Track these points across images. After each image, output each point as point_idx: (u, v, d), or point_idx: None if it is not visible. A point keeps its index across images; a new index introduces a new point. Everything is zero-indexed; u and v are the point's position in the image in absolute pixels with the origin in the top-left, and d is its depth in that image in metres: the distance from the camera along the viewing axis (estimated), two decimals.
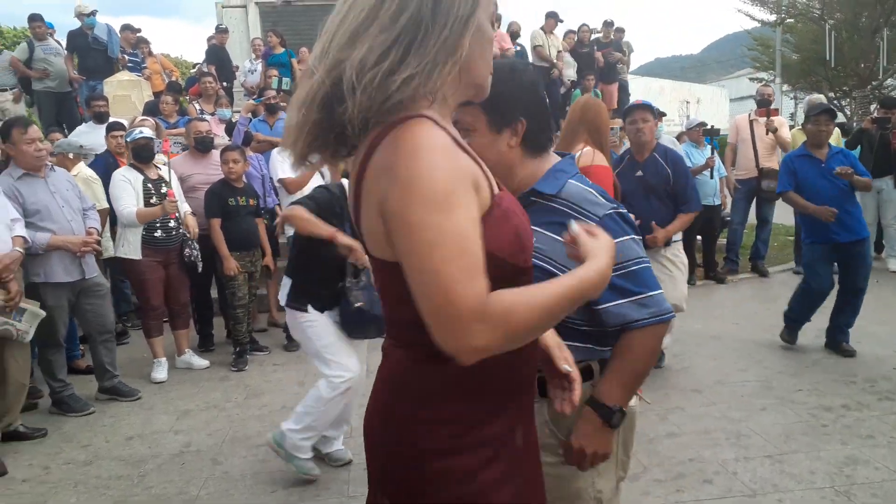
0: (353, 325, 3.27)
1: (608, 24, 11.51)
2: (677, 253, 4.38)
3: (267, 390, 4.58)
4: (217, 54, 10.28)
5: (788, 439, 3.50)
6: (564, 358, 1.37)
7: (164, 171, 4.96)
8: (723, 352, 4.90)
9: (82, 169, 5.36)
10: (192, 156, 5.63)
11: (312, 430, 3.21)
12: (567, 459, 1.59)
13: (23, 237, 3.83)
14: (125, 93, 9.09)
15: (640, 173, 4.30)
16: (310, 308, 3.22)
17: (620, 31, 11.75)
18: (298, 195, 4.46)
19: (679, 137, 7.62)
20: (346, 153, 1.14)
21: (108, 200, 4.99)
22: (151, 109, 7.82)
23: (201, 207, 5.08)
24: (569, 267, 1.42)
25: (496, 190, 1.12)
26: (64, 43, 9.22)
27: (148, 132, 4.99)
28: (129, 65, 9.79)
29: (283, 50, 9.86)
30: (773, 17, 20.20)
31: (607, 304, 1.52)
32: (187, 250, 4.88)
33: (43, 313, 3.88)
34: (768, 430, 3.58)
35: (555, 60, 10.14)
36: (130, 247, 4.73)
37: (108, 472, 3.48)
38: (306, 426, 3.19)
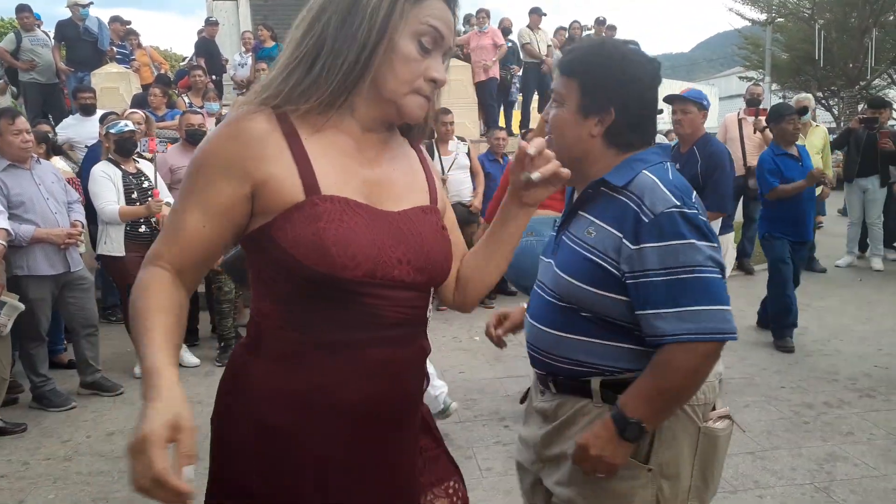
0: None
1: (600, 22, 11.52)
2: None
3: None
4: (207, 47, 10.22)
5: (770, 436, 3.52)
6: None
7: (142, 166, 4.89)
8: None
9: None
10: (184, 148, 5.61)
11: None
12: (573, 455, 1.47)
13: (6, 230, 3.79)
14: (113, 85, 9.04)
15: (678, 166, 4.27)
16: None
17: (612, 28, 11.75)
18: None
19: (667, 135, 7.64)
20: None
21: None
22: (140, 102, 7.76)
23: None
24: (621, 264, 1.40)
25: (326, 192, 1.11)
26: (52, 33, 9.14)
27: (132, 125, 4.95)
28: (118, 57, 9.72)
29: (273, 44, 9.80)
30: (763, 17, 20.28)
31: (641, 311, 1.38)
32: None
33: (22, 306, 3.84)
34: (751, 427, 3.60)
35: (544, 56, 10.14)
36: (113, 244, 4.64)
37: (88, 468, 3.45)
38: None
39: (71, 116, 7.31)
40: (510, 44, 10.26)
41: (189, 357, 5.04)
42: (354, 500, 1.18)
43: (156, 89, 7.71)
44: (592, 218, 1.47)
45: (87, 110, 6.79)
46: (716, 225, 4.03)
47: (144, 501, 0.98)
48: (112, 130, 4.77)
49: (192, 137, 5.52)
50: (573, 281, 1.46)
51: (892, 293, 6.28)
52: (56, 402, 4.21)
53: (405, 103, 1.16)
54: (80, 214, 4.44)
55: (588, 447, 1.42)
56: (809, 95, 8.13)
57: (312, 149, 1.13)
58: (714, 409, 1.52)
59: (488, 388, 4.27)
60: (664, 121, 12.77)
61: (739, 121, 7.29)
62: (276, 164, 1.10)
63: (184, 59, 14.58)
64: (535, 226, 2.20)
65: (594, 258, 1.43)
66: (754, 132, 6.96)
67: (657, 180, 1.41)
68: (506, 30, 10.52)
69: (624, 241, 1.39)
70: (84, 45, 9.13)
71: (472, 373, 4.56)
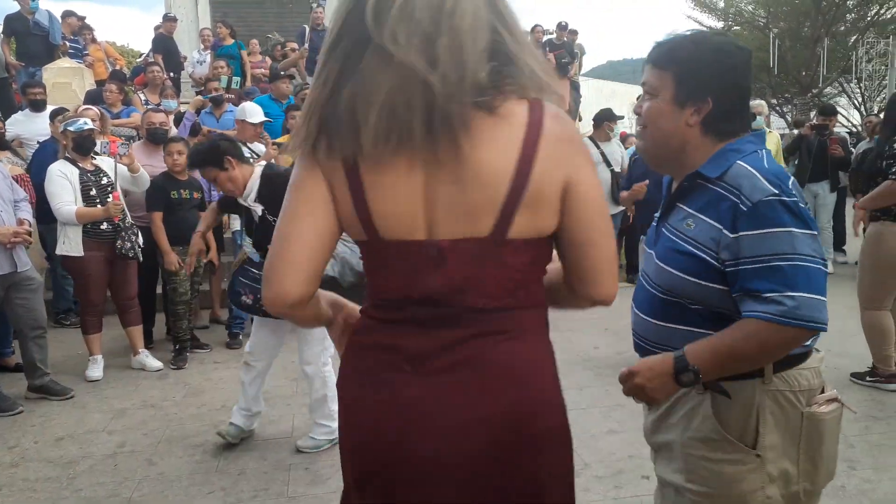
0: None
1: (562, 27, 11.62)
2: None
3: (207, 389, 4.47)
4: (164, 44, 10.01)
5: None
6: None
7: (100, 162, 4.77)
8: None
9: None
10: (147, 147, 5.48)
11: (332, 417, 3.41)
12: (620, 376, 1.52)
13: None
14: (65, 80, 8.76)
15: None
16: None
17: (574, 32, 11.87)
18: None
19: (625, 140, 7.74)
20: None
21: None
22: (94, 98, 7.55)
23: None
24: (720, 254, 1.41)
25: None
26: (0, 27, 8.85)
27: (91, 123, 4.81)
28: (71, 51, 9.45)
29: (232, 41, 9.65)
30: (720, 24, 20.74)
31: (738, 293, 1.40)
32: (119, 242, 4.59)
33: None
34: None
35: None
36: (71, 243, 4.50)
37: (35, 474, 3.34)
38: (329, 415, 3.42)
39: (20, 112, 7.09)
40: None
41: (151, 361, 4.89)
42: None
43: (112, 85, 7.52)
44: (691, 210, 1.49)
45: (37, 106, 6.60)
46: None
47: None
48: (70, 128, 4.62)
49: (154, 136, 5.40)
50: (675, 272, 1.49)
51: (841, 295, 6.43)
52: (2, 406, 4.06)
53: None
54: (27, 213, 4.31)
55: (636, 373, 1.47)
56: (763, 102, 8.34)
57: None
58: (823, 392, 1.53)
59: None
60: (625, 125, 12.97)
61: None
62: None
63: (141, 56, 14.27)
64: None
65: (695, 250, 1.45)
66: None
67: (753, 169, 1.41)
68: None
69: (723, 231, 1.41)
70: (34, 40, 8.85)
71: None
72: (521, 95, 1.10)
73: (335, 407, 3.14)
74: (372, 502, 1.20)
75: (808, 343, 1.44)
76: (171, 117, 7.09)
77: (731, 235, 1.39)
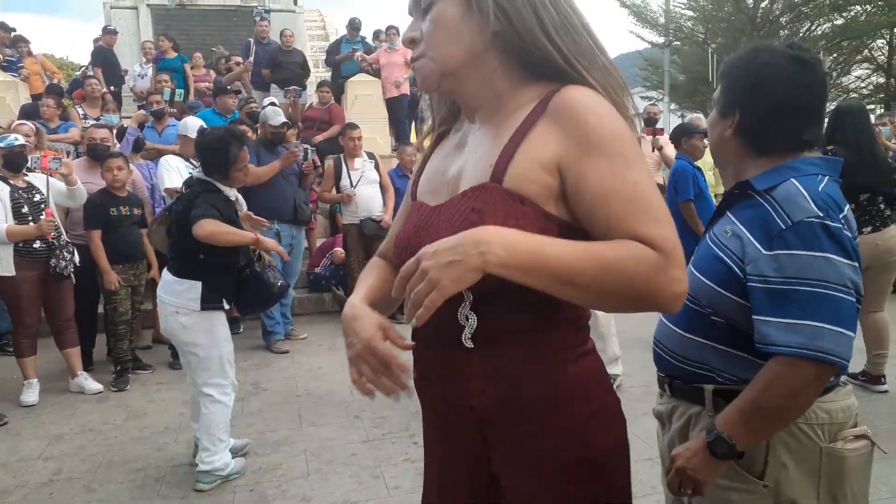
0: (258, 304, 3.60)
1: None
2: None
3: (150, 411, 4.35)
4: (104, 56, 9.78)
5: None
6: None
7: (32, 179, 4.61)
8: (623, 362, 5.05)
9: None
10: (87, 163, 5.32)
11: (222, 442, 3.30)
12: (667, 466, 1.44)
13: None
14: None
15: None
16: (224, 302, 3.26)
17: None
18: None
19: None
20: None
21: None
22: (29, 112, 7.33)
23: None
24: (746, 265, 1.37)
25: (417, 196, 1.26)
26: None
27: (23, 139, 4.66)
28: (5, 65, 9.16)
29: (175, 55, 9.50)
30: (661, 40, 21.29)
31: (756, 316, 1.33)
32: (53, 260, 4.44)
33: None
34: (650, 435, 3.72)
35: None
36: (2, 263, 4.33)
37: None
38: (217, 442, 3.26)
39: None
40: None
41: (90, 384, 4.73)
42: None
43: (49, 100, 7.31)
44: (733, 218, 1.46)
45: None
46: None
47: None
48: (1, 144, 4.47)
49: (94, 153, 5.25)
50: (703, 279, 1.46)
51: None
52: None
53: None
54: None
55: (676, 457, 1.40)
56: (702, 115, 8.59)
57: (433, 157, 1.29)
58: (854, 426, 1.45)
59: (398, 405, 4.23)
60: None
61: (639, 140, 7.58)
62: None
63: (80, 69, 13.89)
64: None
65: (725, 258, 1.42)
66: (652, 150, 7.28)
67: (803, 189, 1.35)
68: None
69: (756, 244, 1.36)
70: None
71: None
72: None
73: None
74: None
75: (832, 378, 1.36)
76: (114, 132, 6.92)
77: (766, 252, 1.34)
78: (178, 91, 8.54)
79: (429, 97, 1.33)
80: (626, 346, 5.28)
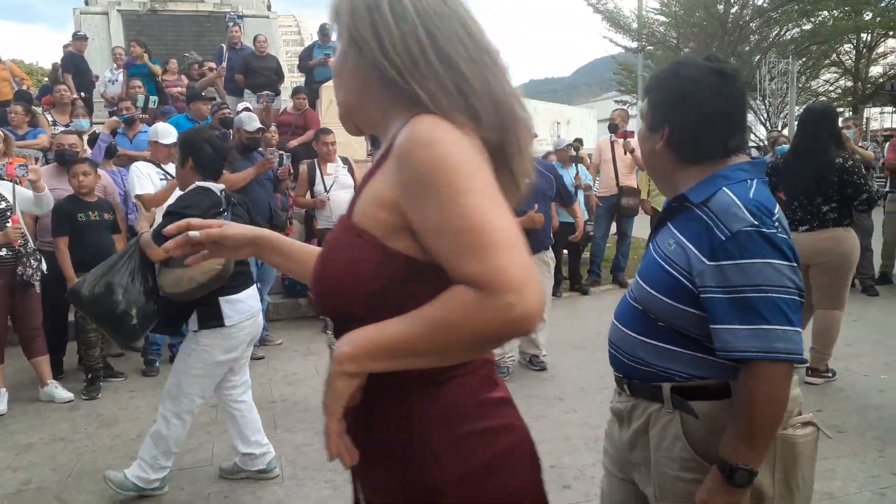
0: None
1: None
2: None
3: (122, 419, 4.30)
4: (74, 62, 9.67)
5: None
6: None
7: (3, 190, 4.54)
8: (586, 361, 5.10)
9: None
10: (56, 169, 5.24)
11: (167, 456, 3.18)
12: None
13: None
14: None
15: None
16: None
17: None
18: (158, 212, 4.25)
19: (546, 157, 7.94)
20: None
21: None
22: None
23: None
24: (695, 279, 1.42)
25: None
26: None
27: None
28: None
29: (146, 60, 9.41)
30: (634, 44, 21.53)
31: (714, 326, 1.40)
32: (20, 268, 4.37)
33: None
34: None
35: None
36: None
37: None
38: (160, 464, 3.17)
39: None
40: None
41: (61, 392, 4.65)
42: None
43: (17, 107, 7.19)
44: (675, 231, 1.51)
45: None
46: None
47: None
48: None
49: (62, 158, 5.17)
50: (650, 290, 1.52)
51: None
52: None
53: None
54: None
55: (706, 502, 1.42)
56: None
57: None
58: (800, 414, 1.53)
59: None
60: (546, 142, 13.29)
61: (612, 143, 7.68)
62: None
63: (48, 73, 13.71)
64: None
65: (672, 270, 1.47)
66: (625, 153, 7.37)
67: (735, 198, 1.42)
68: None
69: (701, 257, 1.42)
70: None
71: None
72: None
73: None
74: None
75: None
76: (86, 137, 6.83)
77: (710, 263, 1.40)
78: (151, 98, 8.47)
79: None
80: (601, 355, 5.35)
